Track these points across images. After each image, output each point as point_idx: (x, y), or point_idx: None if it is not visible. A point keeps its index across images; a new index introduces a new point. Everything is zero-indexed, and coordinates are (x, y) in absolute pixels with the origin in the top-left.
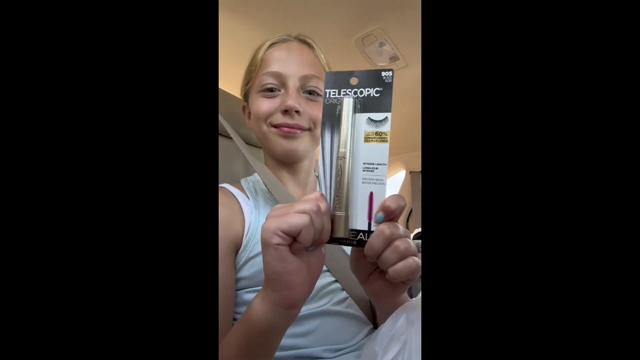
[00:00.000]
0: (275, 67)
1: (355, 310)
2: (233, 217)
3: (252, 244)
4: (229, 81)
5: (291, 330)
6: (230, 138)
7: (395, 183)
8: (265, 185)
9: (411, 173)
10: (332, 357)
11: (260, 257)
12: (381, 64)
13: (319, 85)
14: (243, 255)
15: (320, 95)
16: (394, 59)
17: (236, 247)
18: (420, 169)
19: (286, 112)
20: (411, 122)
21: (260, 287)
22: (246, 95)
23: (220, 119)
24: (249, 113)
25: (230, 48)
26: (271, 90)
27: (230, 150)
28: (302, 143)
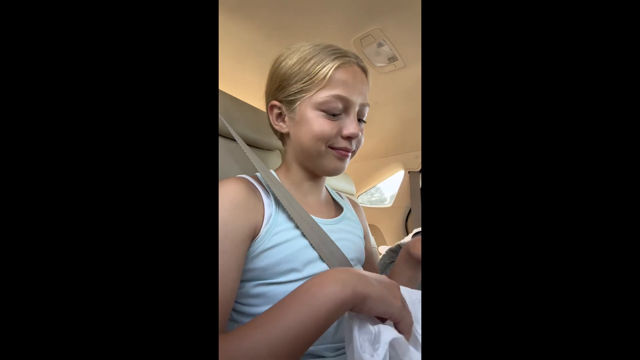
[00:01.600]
0: (343, 92)
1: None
2: (253, 205)
3: (270, 236)
4: (229, 82)
5: None
6: (230, 139)
7: (394, 183)
8: (266, 184)
9: (410, 173)
10: (333, 356)
11: (275, 250)
12: (380, 64)
13: (368, 111)
14: (258, 246)
15: (365, 122)
16: (392, 59)
17: (253, 234)
18: (418, 169)
19: (349, 137)
20: (410, 122)
21: (271, 280)
22: (285, 100)
23: (222, 119)
24: (279, 115)
25: (230, 49)
26: (334, 114)
27: (231, 151)
28: (347, 163)
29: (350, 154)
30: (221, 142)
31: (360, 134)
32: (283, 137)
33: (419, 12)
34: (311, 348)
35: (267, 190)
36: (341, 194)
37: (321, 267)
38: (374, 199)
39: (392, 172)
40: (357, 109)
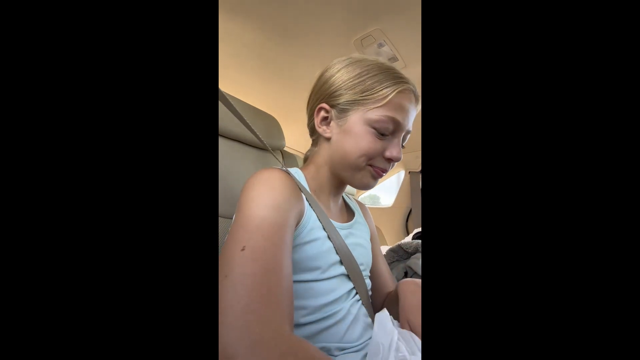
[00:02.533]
0: (398, 116)
1: (364, 313)
2: (296, 196)
3: (308, 230)
4: (229, 83)
5: (318, 325)
6: (230, 139)
7: (395, 183)
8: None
9: (410, 173)
10: (339, 355)
11: (309, 245)
12: None
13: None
14: (298, 235)
15: (404, 147)
16: (392, 59)
17: (298, 221)
18: (419, 169)
19: (390, 160)
20: None
21: (302, 274)
22: (337, 106)
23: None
24: (325, 118)
25: (230, 50)
26: (383, 134)
27: (231, 152)
28: (378, 182)
29: (384, 174)
30: (221, 142)
31: (400, 158)
32: (318, 139)
33: (418, 13)
34: (322, 343)
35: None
36: (350, 196)
37: (340, 270)
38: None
39: (393, 172)
40: (402, 134)
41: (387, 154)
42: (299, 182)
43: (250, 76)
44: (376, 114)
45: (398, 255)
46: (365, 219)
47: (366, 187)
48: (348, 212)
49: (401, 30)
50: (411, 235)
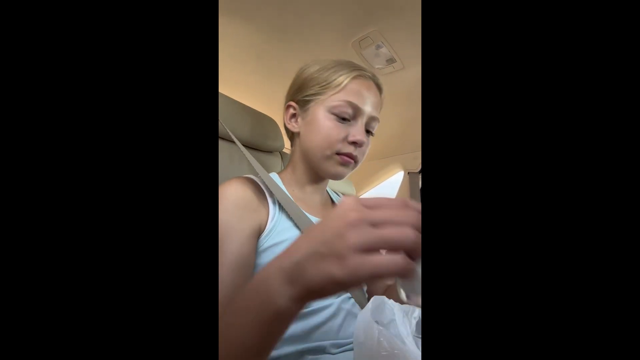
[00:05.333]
0: (355, 100)
1: (358, 310)
2: (257, 204)
3: (275, 233)
4: (229, 84)
5: (306, 322)
6: (230, 141)
7: (394, 184)
8: (267, 188)
9: (409, 174)
10: (336, 352)
11: (279, 246)
12: (378, 66)
13: (376, 126)
14: (264, 242)
15: (373, 135)
16: (390, 61)
17: (259, 231)
18: (417, 170)
19: (354, 143)
20: (408, 123)
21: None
22: (301, 100)
23: (221, 123)
24: (293, 115)
25: (229, 51)
26: (344, 119)
27: (231, 153)
28: (349, 171)
29: (353, 162)
30: (221, 144)
31: (365, 142)
32: (294, 137)
33: (417, 15)
34: (317, 343)
35: (272, 195)
36: (339, 193)
37: None
38: None
39: (391, 173)
40: (365, 119)
41: (350, 137)
42: (271, 187)
43: (248, 77)
44: (334, 99)
45: None
46: None
47: (337, 176)
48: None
49: (399, 32)
50: None
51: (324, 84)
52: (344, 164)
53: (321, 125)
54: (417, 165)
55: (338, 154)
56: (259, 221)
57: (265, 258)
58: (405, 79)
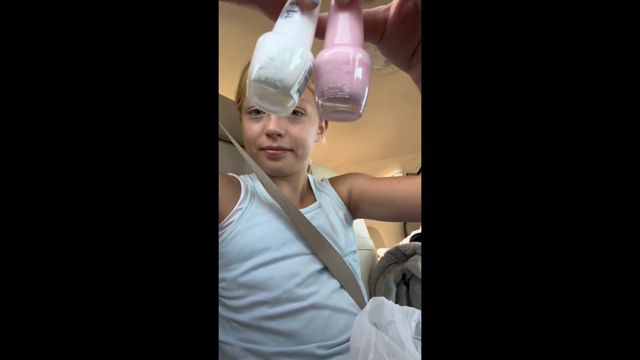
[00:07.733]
0: None
1: (346, 304)
2: (231, 193)
3: (247, 217)
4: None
5: (277, 330)
6: (228, 142)
7: None
8: (263, 186)
9: (408, 175)
10: (329, 354)
11: (251, 230)
12: (377, 66)
13: (302, 104)
14: (233, 228)
15: (305, 114)
16: (389, 61)
17: (228, 207)
18: (416, 171)
19: (269, 136)
20: (407, 124)
21: (251, 259)
22: (240, 109)
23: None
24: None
25: (229, 53)
26: (257, 112)
27: (230, 154)
28: (286, 163)
29: (282, 152)
30: (220, 145)
31: (279, 130)
32: None
33: None
34: (301, 347)
35: (247, 186)
36: (324, 179)
37: (297, 247)
38: None
39: (390, 173)
40: None
41: (265, 130)
42: (267, 185)
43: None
44: (245, 100)
45: (396, 257)
46: (339, 189)
47: (271, 171)
48: (308, 199)
49: None
50: (409, 237)
51: (238, 90)
52: (271, 157)
53: (244, 127)
54: (416, 166)
55: (262, 149)
56: (224, 209)
57: (237, 242)
58: (405, 80)
